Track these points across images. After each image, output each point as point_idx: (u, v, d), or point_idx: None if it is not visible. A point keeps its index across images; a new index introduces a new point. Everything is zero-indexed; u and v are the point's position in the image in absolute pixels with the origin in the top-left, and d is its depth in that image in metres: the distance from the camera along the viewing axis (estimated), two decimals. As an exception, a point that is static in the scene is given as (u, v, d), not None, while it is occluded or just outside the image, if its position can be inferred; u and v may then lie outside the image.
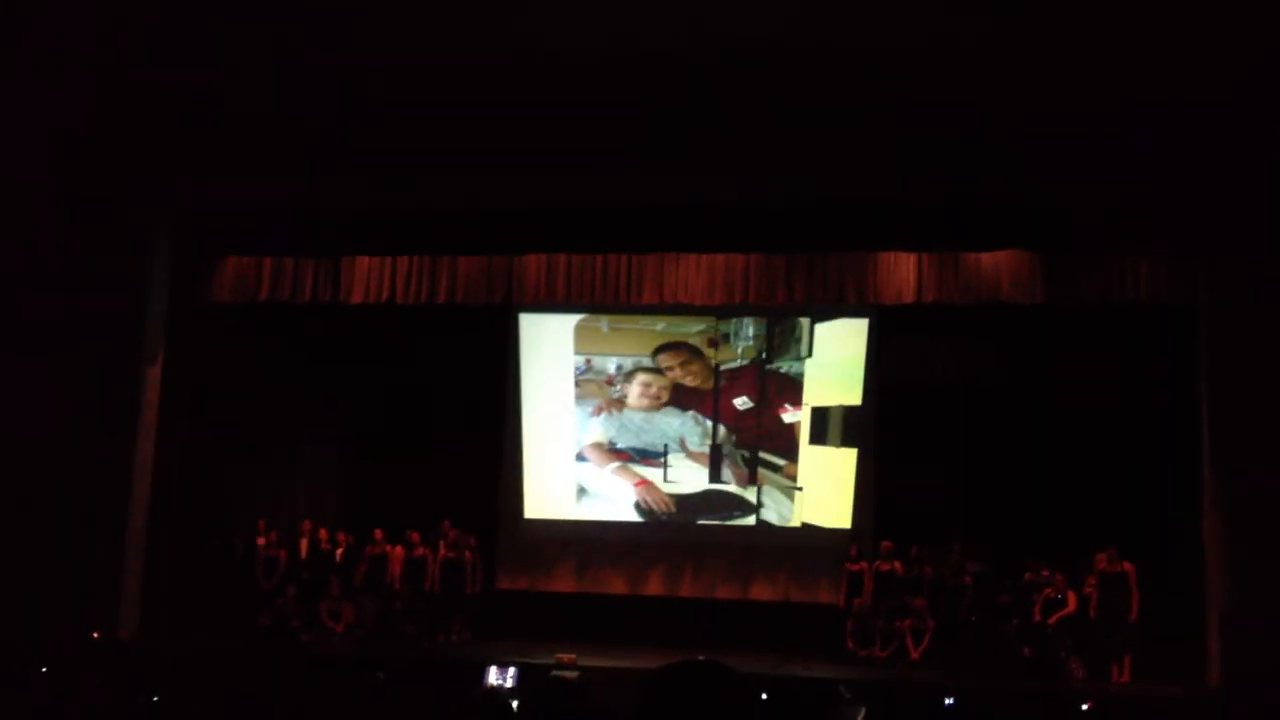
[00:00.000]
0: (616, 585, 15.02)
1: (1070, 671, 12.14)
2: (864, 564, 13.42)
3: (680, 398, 15.13)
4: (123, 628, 12.55)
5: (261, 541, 13.99)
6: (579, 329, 15.31)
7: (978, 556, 13.07)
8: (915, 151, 11.60)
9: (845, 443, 14.79)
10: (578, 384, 15.31)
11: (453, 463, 14.96)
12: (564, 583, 15.10)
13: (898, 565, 13.26)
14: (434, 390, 15.32)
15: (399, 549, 13.96)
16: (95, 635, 11.52)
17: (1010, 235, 12.53)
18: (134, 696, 6.10)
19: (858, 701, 8.10)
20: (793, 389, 14.97)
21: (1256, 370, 11.46)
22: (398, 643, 13.36)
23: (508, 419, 15.45)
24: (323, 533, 14.28)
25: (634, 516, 15.12)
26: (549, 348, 15.40)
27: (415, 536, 13.90)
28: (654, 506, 15.06)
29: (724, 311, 14.64)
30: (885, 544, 13.46)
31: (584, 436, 15.29)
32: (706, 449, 15.02)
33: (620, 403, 15.23)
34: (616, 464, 15.18)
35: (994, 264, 12.62)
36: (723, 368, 15.14)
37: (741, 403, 15.02)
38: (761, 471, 14.95)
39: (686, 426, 15.07)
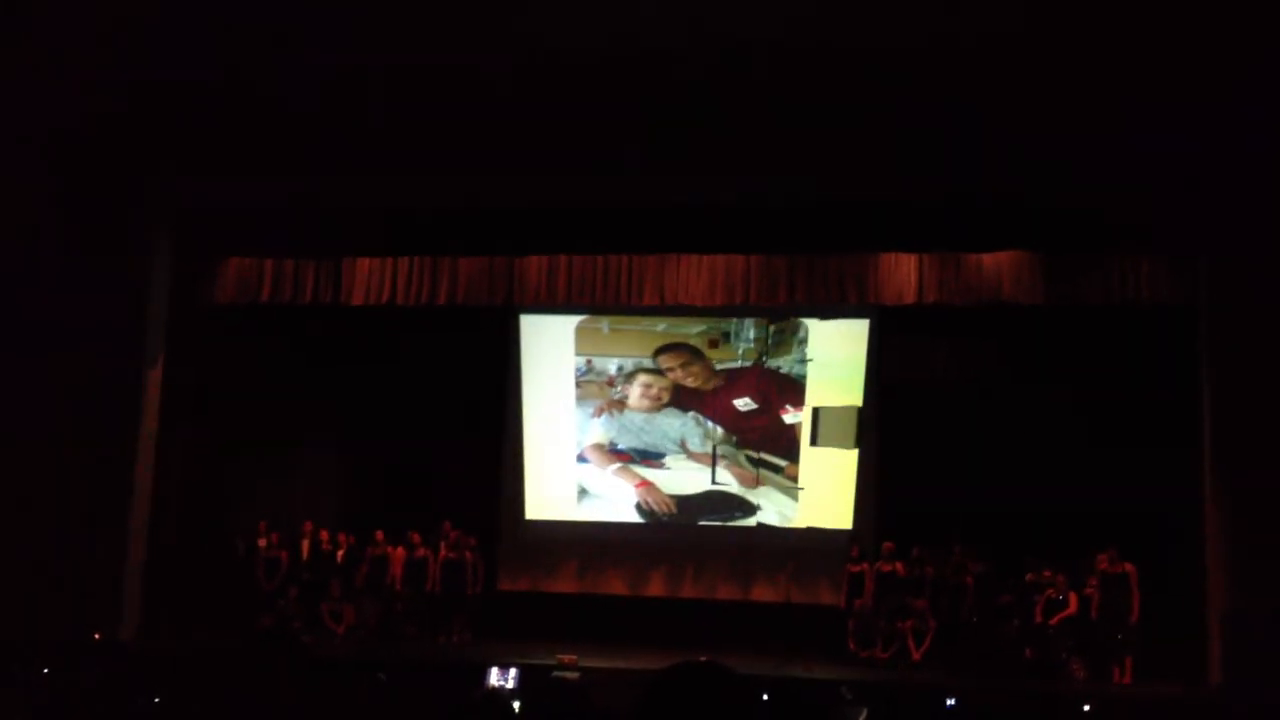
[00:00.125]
0: (617, 586, 15.01)
1: (1071, 672, 12.14)
2: (865, 565, 13.42)
3: (681, 399, 15.13)
4: (123, 628, 12.56)
5: (262, 543, 13.98)
6: (580, 330, 15.31)
7: (979, 557, 13.06)
8: (915, 151, 11.60)
9: (846, 443, 14.78)
10: (578, 385, 15.30)
11: (454, 464, 14.94)
12: (565, 584, 15.10)
13: (899, 566, 13.25)
14: (435, 391, 15.30)
15: (400, 550, 13.96)
16: (96, 636, 11.53)
17: (1011, 236, 12.54)
18: (134, 697, 6.11)
19: (859, 702, 8.09)
20: (794, 390, 14.97)
21: (1257, 370, 11.47)
22: (399, 644, 13.36)
23: (509, 420, 15.45)
24: (324, 534, 14.28)
25: (635, 517, 15.11)
26: (550, 349, 15.39)
27: (416, 537, 13.90)
28: (655, 507, 15.06)
29: (725, 312, 14.63)
30: (886, 545, 13.45)
31: (585, 437, 15.29)
32: (707, 450, 15.01)
33: (621, 404, 15.23)
34: (617, 465, 15.18)
35: (994, 264, 12.62)
36: (723, 368, 15.13)
37: (743, 404, 15.02)
38: (763, 472, 14.94)
39: (687, 427, 15.07)
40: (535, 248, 13.34)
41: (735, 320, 15.06)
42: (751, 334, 15.11)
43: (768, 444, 14.98)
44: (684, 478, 15.03)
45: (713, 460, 15.00)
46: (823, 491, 14.81)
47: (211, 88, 11.45)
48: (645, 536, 15.08)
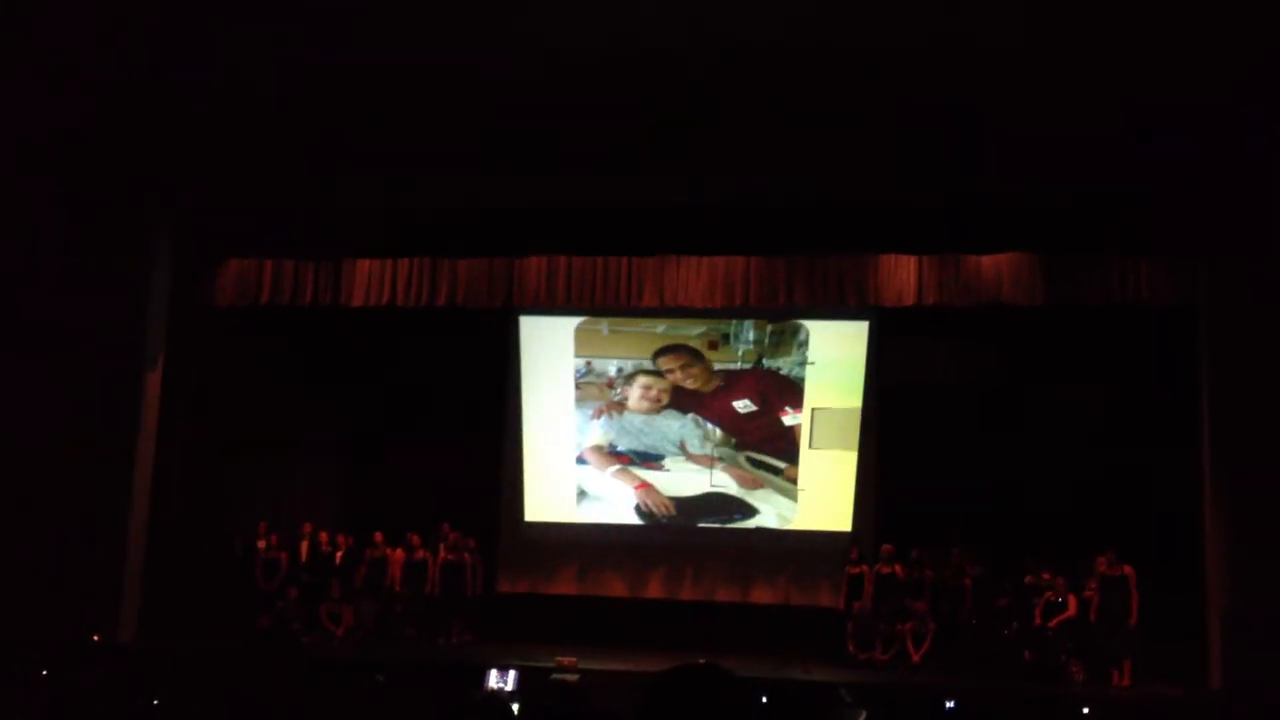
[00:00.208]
0: (617, 588, 15.00)
1: (1070, 675, 12.13)
2: (864, 567, 13.41)
3: (680, 400, 15.12)
4: (122, 630, 12.56)
5: (262, 544, 13.97)
6: (579, 331, 15.30)
7: (978, 559, 13.06)
8: (915, 152, 11.61)
9: (845, 445, 14.77)
10: (578, 386, 15.29)
11: (453, 465, 14.93)
12: (564, 585, 15.08)
13: (898, 568, 13.25)
14: (434, 393, 15.31)
15: (399, 552, 13.95)
16: (95, 638, 11.52)
17: (1010, 237, 12.54)
18: (133, 698, 6.10)
19: (858, 705, 8.09)
20: (793, 391, 14.96)
21: (1257, 370, 11.46)
22: (398, 645, 13.34)
23: (508, 422, 15.44)
24: (323, 535, 14.27)
25: (634, 519, 15.10)
26: (549, 350, 15.38)
27: (415, 539, 13.89)
28: (654, 509, 15.05)
29: (724, 314, 14.63)
30: (886, 547, 13.45)
31: (584, 439, 15.28)
32: (707, 452, 15.01)
33: (620, 405, 15.22)
34: (617, 467, 15.17)
35: (994, 266, 12.62)
36: (723, 370, 15.13)
37: (742, 405, 15.01)
38: (762, 474, 14.93)
39: (687, 429, 15.06)
40: (535, 249, 13.34)
41: (735, 322, 15.06)
42: (751, 336, 15.11)
43: (767, 446, 14.97)
44: (683, 479, 15.02)
45: (712, 462, 14.99)
46: (822, 493, 14.81)
47: (211, 88, 11.45)
48: (644, 538, 15.07)
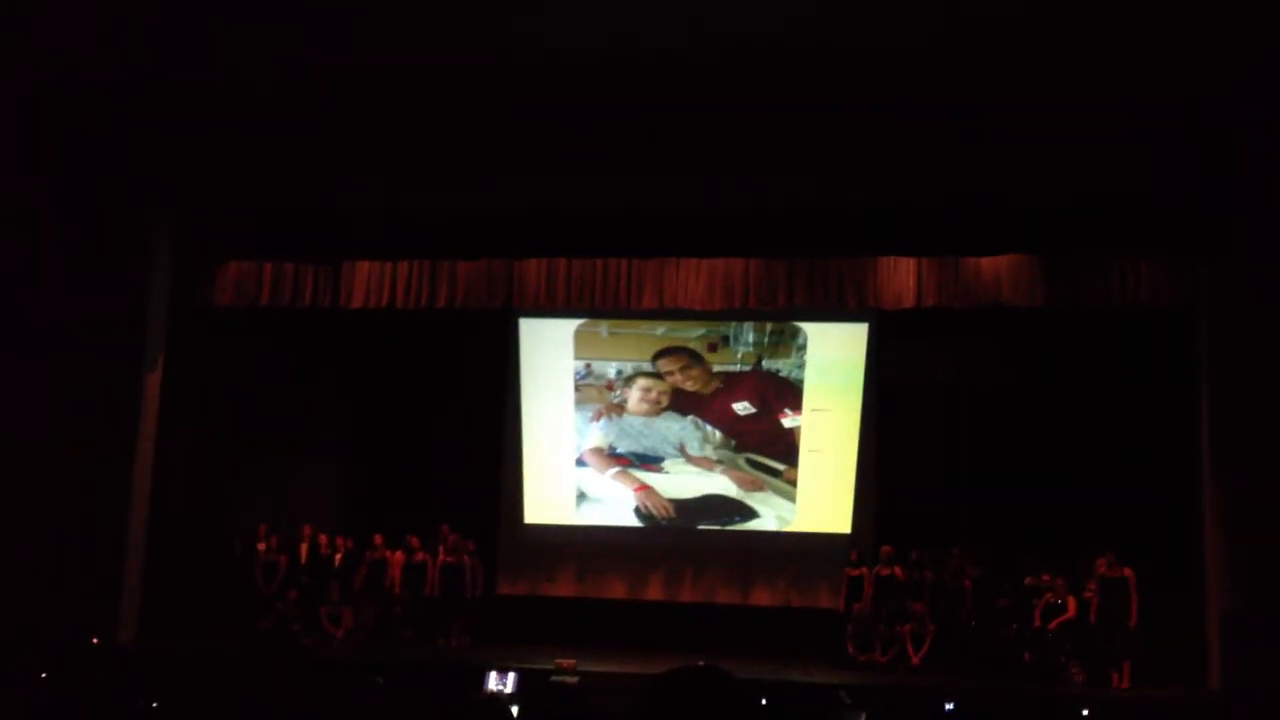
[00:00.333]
0: (616, 590, 14.99)
1: (1070, 676, 12.13)
2: (864, 569, 13.41)
3: (680, 402, 15.11)
4: (123, 630, 12.55)
5: (262, 546, 13.98)
6: (579, 333, 15.29)
7: (978, 561, 13.05)
8: (915, 153, 11.60)
9: (845, 447, 14.77)
10: (577, 389, 15.29)
11: (453, 467, 14.93)
12: (564, 587, 15.08)
13: (898, 570, 13.24)
14: (434, 395, 15.31)
15: (399, 554, 13.94)
16: (95, 640, 11.50)
17: (1010, 239, 12.53)
18: (133, 699, 6.08)
19: (858, 706, 8.10)
20: (793, 394, 14.96)
21: (1257, 371, 11.45)
22: (397, 647, 13.33)
23: (508, 424, 15.43)
24: (322, 537, 14.27)
25: (634, 521, 15.10)
26: (549, 352, 15.37)
27: (415, 541, 13.88)
28: (654, 511, 15.05)
29: (724, 316, 14.62)
30: (885, 548, 13.44)
31: (584, 441, 15.28)
32: (707, 454, 15.00)
33: (620, 407, 15.22)
34: (616, 469, 15.16)
35: (993, 268, 12.62)
36: (722, 372, 15.12)
37: (742, 407, 15.00)
38: (761, 476, 14.93)
39: (686, 431, 15.06)
40: (534, 251, 13.34)
41: (734, 324, 15.06)
42: (750, 338, 15.11)
43: (766, 448, 14.97)
44: (683, 481, 15.02)
45: (711, 464, 14.99)
46: (821, 495, 14.80)
47: (211, 89, 11.44)
48: (644, 540, 15.06)
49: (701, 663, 2.54)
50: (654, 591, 14.96)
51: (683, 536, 14.99)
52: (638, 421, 15.15)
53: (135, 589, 12.98)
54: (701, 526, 14.97)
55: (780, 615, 14.47)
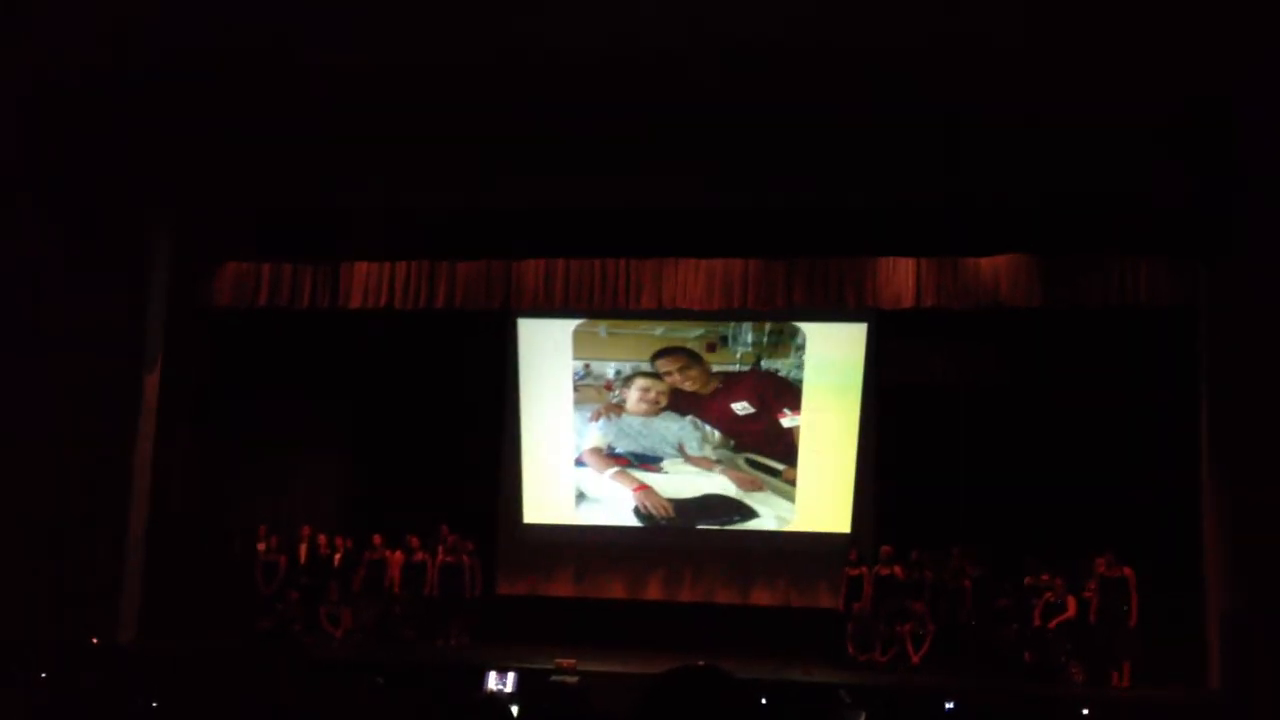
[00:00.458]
0: (616, 590, 14.98)
1: (1070, 676, 12.13)
2: (864, 568, 13.40)
3: (679, 402, 15.11)
4: (122, 630, 12.55)
5: (262, 546, 13.98)
6: (577, 334, 15.29)
7: (977, 560, 13.05)
8: (914, 153, 11.60)
9: (844, 447, 14.76)
10: (576, 389, 15.28)
11: (452, 468, 14.92)
12: (563, 587, 15.07)
13: (898, 569, 13.24)
14: (433, 395, 15.30)
15: (398, 554, 13.94)
16: (95, 640, 11.50)
17: (1009, 239, 12.54)
18: (133, 699, 6.09)
19: (858, 706, 8.09)
20: (792, 394, 14.95)
21: (1257, 372, 11.44)
22: (397, 647, 13.33)
23: (506, 424, 15.42)
24: (321, 538, 14.26)
25: (633, 521, 15.09)
26: (548, 353, 15.36)
27: (414, 541, 13.88)
28: (653, 511, 15.04)
29: (723, 316, 14.62)
30: (885, 548, 13.43)
31: (583, 441, 15.27)
32: (706, 454, 15.00)
33: (619, 407, 15.21)
34: (615, 469, 15.15)
35: (993, 268, 12.62)
36: (721, 372, 15.12)
37: (741, 407, 15.00)
38: (761, 476, 14.93)
39: (685, 431, 15.05)
40: (533, 251, 13.34)
41: (733, 324, 15.05)
42: (749, 338, 15.10)
43: (766, 447, 14.96)
44: (682, 481, 15.01)
45: (710, 464, 14.98)
46: (821, 495, 14.79)
47: (211, 89, 11.44)
48: (643, 540, 15.06)
49: (701, 662, 2.54)
50: (653, 591, 14.95)
51: (682, 536, 14.98)
52: (636, 421, 15.15)
53: (135, 589, 12.99)
54: (701, 526, 14.96)
55: (780, 615, 14.45)
